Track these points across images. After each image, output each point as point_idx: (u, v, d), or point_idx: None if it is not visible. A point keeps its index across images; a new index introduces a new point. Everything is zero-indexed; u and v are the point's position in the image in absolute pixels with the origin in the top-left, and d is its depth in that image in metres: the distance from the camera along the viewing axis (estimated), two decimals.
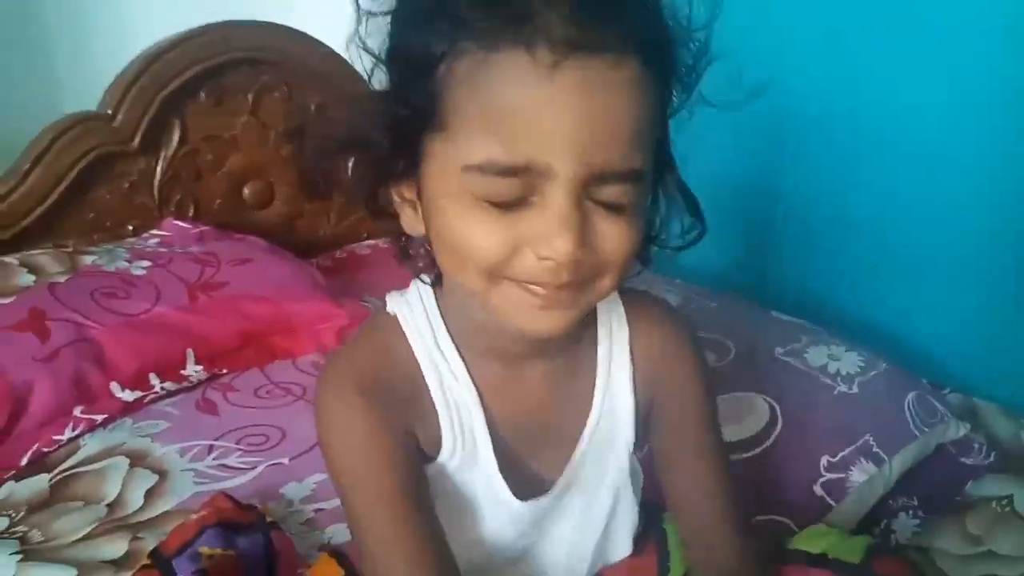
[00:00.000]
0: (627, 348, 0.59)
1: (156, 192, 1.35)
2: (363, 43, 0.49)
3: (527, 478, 0.58)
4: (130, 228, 1.33)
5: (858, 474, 0.83)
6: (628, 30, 0.43)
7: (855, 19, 1.18)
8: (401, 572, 0.51)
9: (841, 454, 0.84)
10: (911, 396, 0.93)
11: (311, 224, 1.55)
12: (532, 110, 0.42)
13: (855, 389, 0.92)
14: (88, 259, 1.14)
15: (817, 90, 1.23)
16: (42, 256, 1.13)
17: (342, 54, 1.46)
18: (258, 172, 1.46)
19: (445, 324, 0.55)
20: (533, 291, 0.46)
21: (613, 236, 0.46)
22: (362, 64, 0.50)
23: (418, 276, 0.56)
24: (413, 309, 0.56)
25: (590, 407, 0.58)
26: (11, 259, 1.12)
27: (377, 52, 0.49)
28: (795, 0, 1.23)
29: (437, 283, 0.56)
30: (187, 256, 1.18)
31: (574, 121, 0.42)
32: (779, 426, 0.86)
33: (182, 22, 1.34)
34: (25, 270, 1.09)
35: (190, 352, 1.06)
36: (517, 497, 0.57)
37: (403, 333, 0.55)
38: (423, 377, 0.55)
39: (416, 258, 0.55)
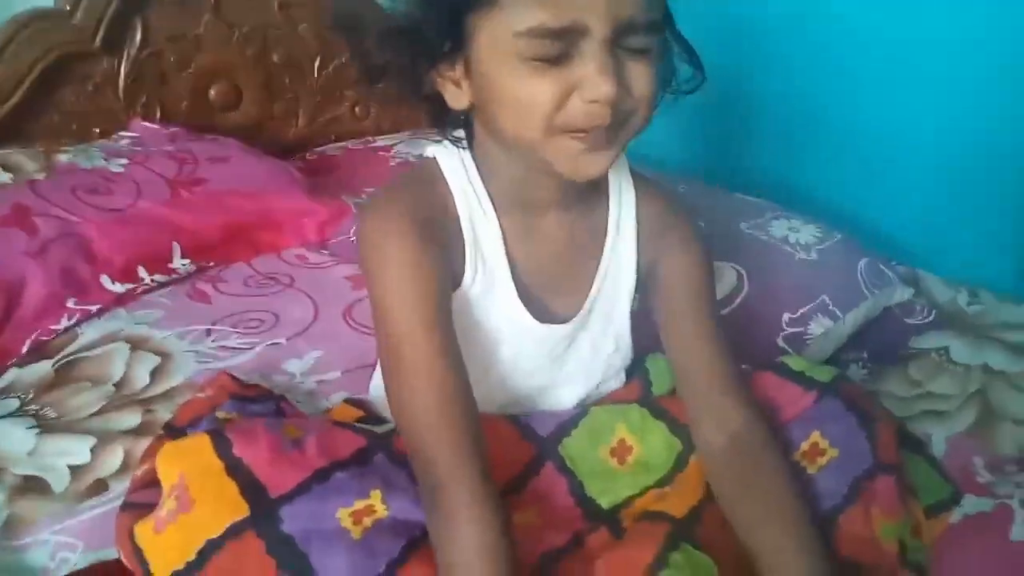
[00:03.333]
0: (633, 211, 0.67)
1: (121, 94, 1.33)
2: None
3: (544, 312, 0.65)
4: (96, 131, 1.32)
5: (815, 328, 0.92)
6: None
7: None
8: (433, 394, 0.56)
9: (801, 311, 0.92)
10: (862, 263, 1.02)
11: (279, 126, 1.54)
12: None
13: (813, 256, 1.00)
14: (63, 157, 1.13)
15: None
16: (15, 155, 1.13)
17: None
18: (224, 73, 1.44)
19: (479, 174, 0.62)
20: (580, 138, 0.53)
21: (641, 76, 0.53)
22: None
23: (451, 140, 0.62)
24: (451, 156, 0.62)
25: (600, 257, 0.66)
26: None
27: None
28: None
29: (469, 147, 0.62)
30: (163, 154, 1.18)
31: None
32: (745, 288, 0.93)
33: None
34: (0, 168, 1.08)
35: (176, 245, 1.09)
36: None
37: (441, 173, 0.61)
38: (456, 210, 0.61)
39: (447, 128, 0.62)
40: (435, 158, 0.62)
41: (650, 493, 0.66)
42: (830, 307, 0.94)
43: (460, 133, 0.62)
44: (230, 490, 0.56)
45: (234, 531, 0.54)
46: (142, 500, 0.65)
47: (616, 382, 0.72)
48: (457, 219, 0.61)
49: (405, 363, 0.57)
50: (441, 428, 0.55)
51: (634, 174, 0.68)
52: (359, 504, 0.56)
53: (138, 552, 0.59)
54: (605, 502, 0.66)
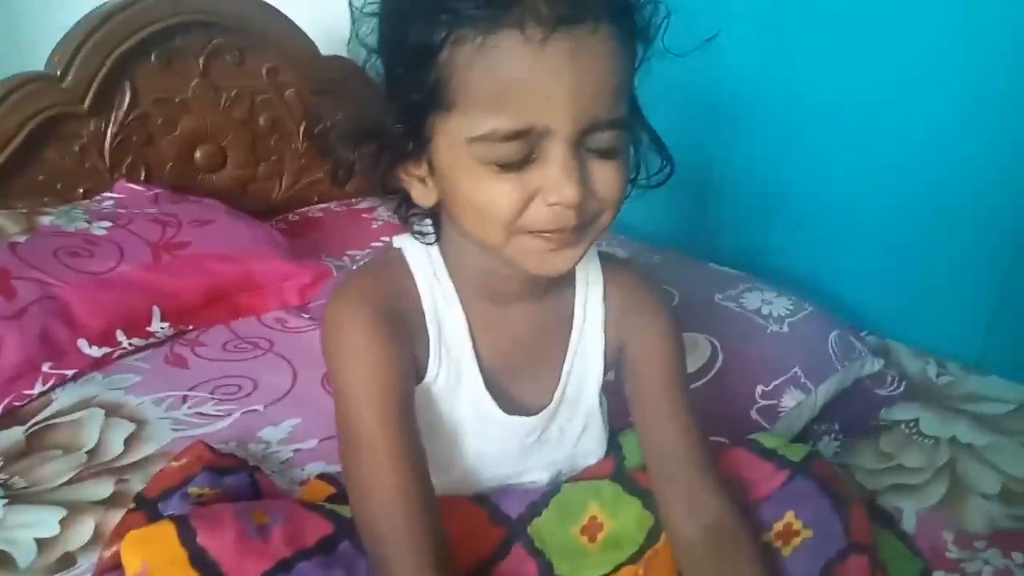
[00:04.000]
0: (600, 296, 0.66)
1: (107, 155, 1.35)
2: (361, 41, 0.55)
3: (511, 403, 0.64)
4: (80, 192, 1.33)
5: (788, 401, 0.93)
6: (601, 1, 0.49)
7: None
8: (392, 496, 0.55)
9: (774, 383, 0.94)
10: (833, 335, 1.04)
11: (263, 188, 1.56)
12: (529, 81, 0.48)
13: (785, 329, 1.02)
14: (46, 219, 1.14)
15: (751, 63, 1.32)
16: None
17: (293, 19, 1.49)
18: (210, 136, 1.47)
19: (444, 265, 0.62)
20: (545, 238, 0.53)
21: (607, 178, 0.52)
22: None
23: (417, 235, 0.62)
24: (417, 246, 0.62)
25: (567, 344, 0.66)
26: None
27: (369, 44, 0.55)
28: None
29: (436, 238, 0.62)
30: (147, 217, 1.19)
31: (565, 85, 0.48)
32: (719, 361, 0.95)
33: None
34: None
35: (156, 309, 1.08)
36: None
37: (407, 264, 0.62)
38: (421, 303, 0.61)
39: (413, 222, 0.62)
40: (401, 249, 0.63)
41: (623, 572, 0.66)
42: (802, 380, 0.96)
43: (426, 226, 0.62)
44: None
45: None
46: None
47: (592, 459, 0.72)
48: (422, 312, 0.61)
49: (364, 461, 0.56)
50: (398, 526, 0.54)
51: (602, 256, 0.68)
52: None
53: None
54: None
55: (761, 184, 1.41)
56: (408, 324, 0.60)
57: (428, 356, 0.61)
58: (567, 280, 0.66)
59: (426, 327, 0.61)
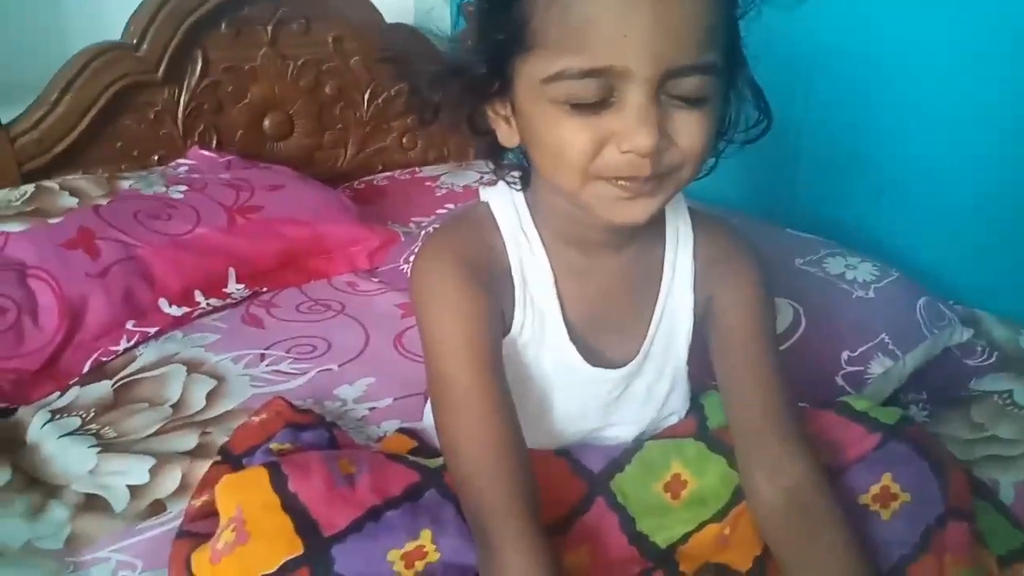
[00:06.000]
0: (691, 252, 0.64)
1: (180, 122, 1.38)
2: None
3: (597, 355, 0.63)
4: (155, 158, 1.36)
5: (876, 367, 0.90)
6: None
7: None
8: (485, 440, 0.55)
9: (860, 349, 0.91)
10: (921, 302, 1.00)
11: (329, 156, 1.58)
12: (606, 19, 0.47)
13: (871, 294, 0.98)
14: (125, 183, 1.17)
15: (831, 26, 1.27)
16: (80, 180, 1.16)
17: None
18: (278, 104, 1.48)
19: (531, 215, 0.61)
20: (620, 185, 0.51)
21: (690, 128, 0.50)
22: None
23: (506, 180, 0.62)
24: (503, 198, 0.62)
25: (655, 300, 0.64)
26: (51, 183, 1.14)
27: None
28: None
29: (525, 186, 0.62)
30: (221, 182, 1.21)
31: (645, 26, 0.46)
32: (803, 325, 0.92)
33: None
34: (67, 192, 1.12)
35: (232, 271, 1.11)
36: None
37: (493, 217, 0.61)
38: (507, 255, 0.60)
39: (505, 165, 0.61)
40: (487, 203, 0.62)
41: (709, 531, 0.65)
42: (890, 346, 0.92)
43: (515, 174, 0.62)
44: (286, 526, 0.55)
45: (289, 567, 0.54)
46: (198, 530, 0.66)
47: (675, 419, 0.71)
48: (507, 264, 0.60)
49: (457, 407, 0.56)
50: (492, 474, 0.54)
51: (692, 211, 0.66)
52: (410, 546, 0.56)
53: None
54: (661, 540, 0.64)
55: (839, 150, 1.35)
56: (493, 276, 0.60)
57: (513, 308, 0.61)
58: (657, 233, 0.64)
59: (511, 279, 0.61)
